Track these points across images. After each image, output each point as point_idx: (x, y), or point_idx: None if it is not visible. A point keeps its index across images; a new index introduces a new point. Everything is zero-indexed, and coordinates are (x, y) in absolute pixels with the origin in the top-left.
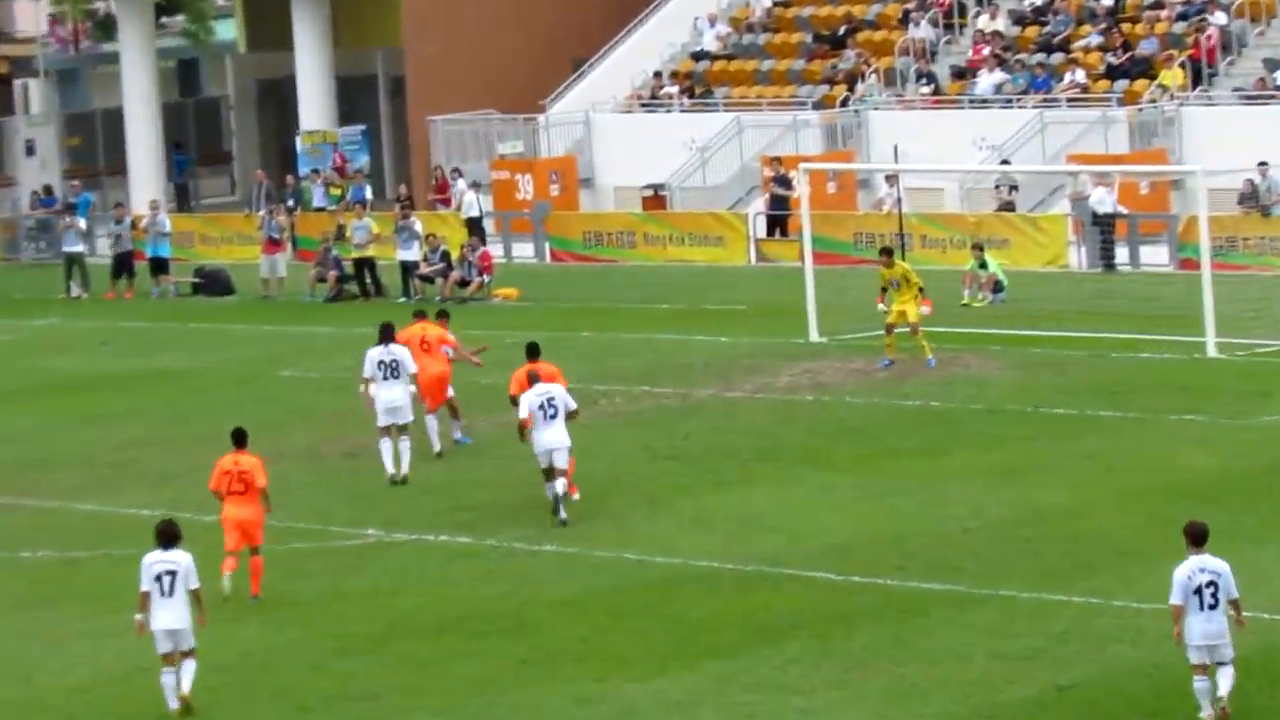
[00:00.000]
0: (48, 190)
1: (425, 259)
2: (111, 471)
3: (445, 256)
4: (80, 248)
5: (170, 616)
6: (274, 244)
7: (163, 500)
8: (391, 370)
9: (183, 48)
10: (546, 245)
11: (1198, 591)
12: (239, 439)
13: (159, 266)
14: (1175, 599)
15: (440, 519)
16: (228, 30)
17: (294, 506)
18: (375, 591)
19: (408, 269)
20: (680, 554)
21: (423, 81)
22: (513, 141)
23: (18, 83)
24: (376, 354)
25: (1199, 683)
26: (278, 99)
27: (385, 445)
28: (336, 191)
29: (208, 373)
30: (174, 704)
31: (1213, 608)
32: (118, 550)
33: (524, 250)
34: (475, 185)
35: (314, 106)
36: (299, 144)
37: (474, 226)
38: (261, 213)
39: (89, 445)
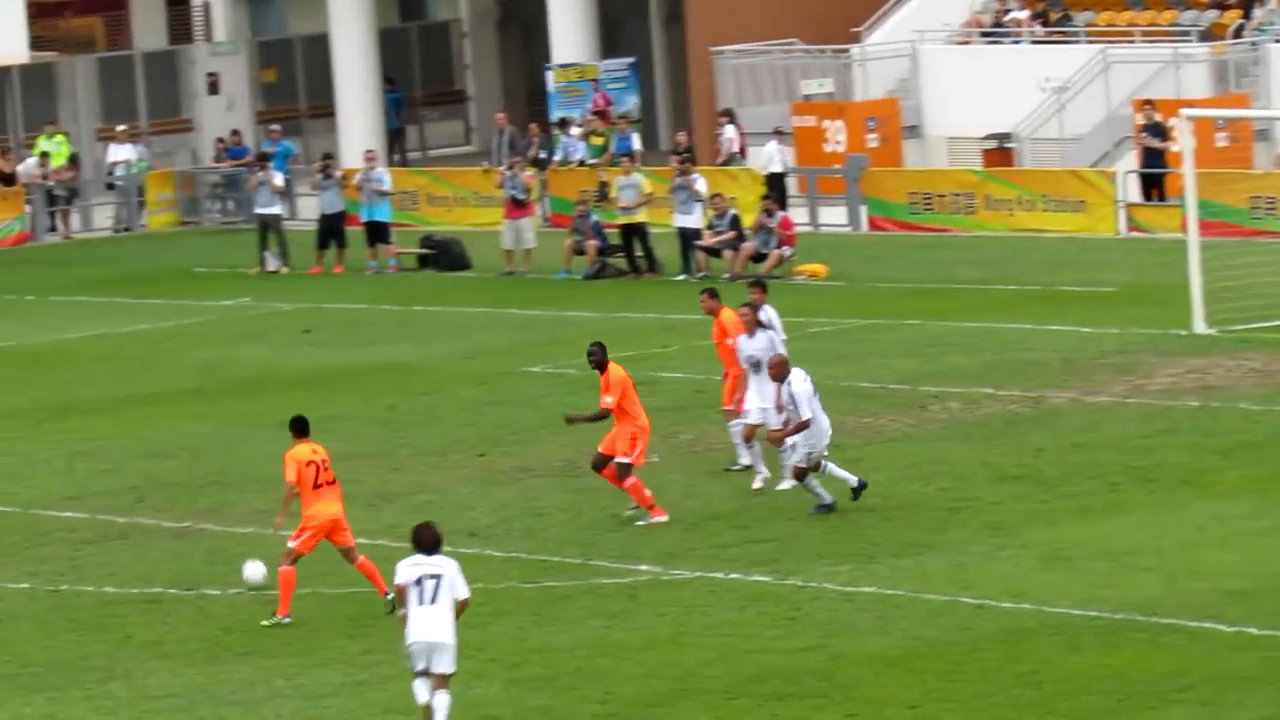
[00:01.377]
0: (236, 137)
1: (710, 226)
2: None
3: (736, 223)
4: (277, 209)
5: (428, 628)
6: (518, 206)
7: (380, 526)
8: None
9: None
10: (862, 210)
11: None
12: (303, 428)
13: (376, 234)
14: None
15: (730, 553)
16: None
17: (547, 535)
18: (650, 643)
19: (687, 238)
20: (1031, 598)
21: (706, 4)
22: (820, 80)
23: (197, 2)
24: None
25: None
26: (523, 25)
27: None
28: (598, 141)
29: (435, 368)
30: (424, 698)
31: None
32: (326, 588)
33: (833, 216)
34: (778, 134)
35: (569, 34)
36: (550, 81)
37: (774, 185)
38: (502, 167)
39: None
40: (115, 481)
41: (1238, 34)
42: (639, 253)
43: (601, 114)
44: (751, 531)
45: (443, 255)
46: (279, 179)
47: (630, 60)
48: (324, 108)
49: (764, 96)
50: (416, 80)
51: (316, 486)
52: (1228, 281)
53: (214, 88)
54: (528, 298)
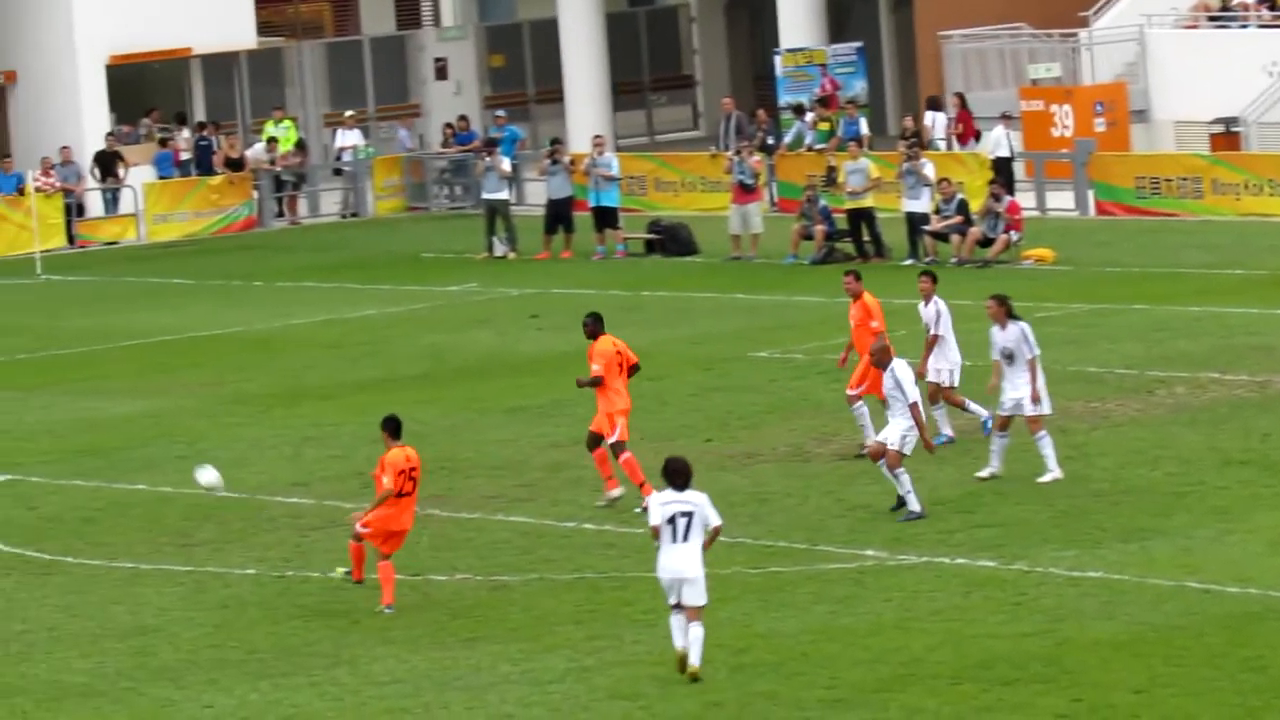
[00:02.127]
0: (464, 123)
1: (937, 211)
2: (544, 476)
3: (963, 208)
4: (505, 195)
5: (680, 563)
6: (745, 191)
7: (608, 512)
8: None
9: None
10: (1089, 194)
11: None
12: (397, 429)
13: (604, 219)
14: None
15: (956, 538)
16: None
17: (774, 520)
18: (875, 628)
19: (915, 223)
20: (1258, 583)
21: None
22: (1047, 65)
23: None
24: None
25: None
26: (750, 9)
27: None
28: (825, 126)
29: (662, 353)
30: (681, 642)
31: None
32: (553, 574)
33: (1061, 200)
34: (1005, 118)
35: (797, 19)
36: (778, 66)
37: (1001, 169)
38: (730, 152)
39: (514, 444)
40: (342, 467)
41: None
42: (866, 238)
43: (829, 99)
44: (977, 517)
45: (670, 240)
46: (506, 164)
47: (858, 45)
48: (552, 93)
49: (991, 81)
50: (644, 65)
51: (399, 495)
52: None
53: (442, 73)
54: (755, 283)
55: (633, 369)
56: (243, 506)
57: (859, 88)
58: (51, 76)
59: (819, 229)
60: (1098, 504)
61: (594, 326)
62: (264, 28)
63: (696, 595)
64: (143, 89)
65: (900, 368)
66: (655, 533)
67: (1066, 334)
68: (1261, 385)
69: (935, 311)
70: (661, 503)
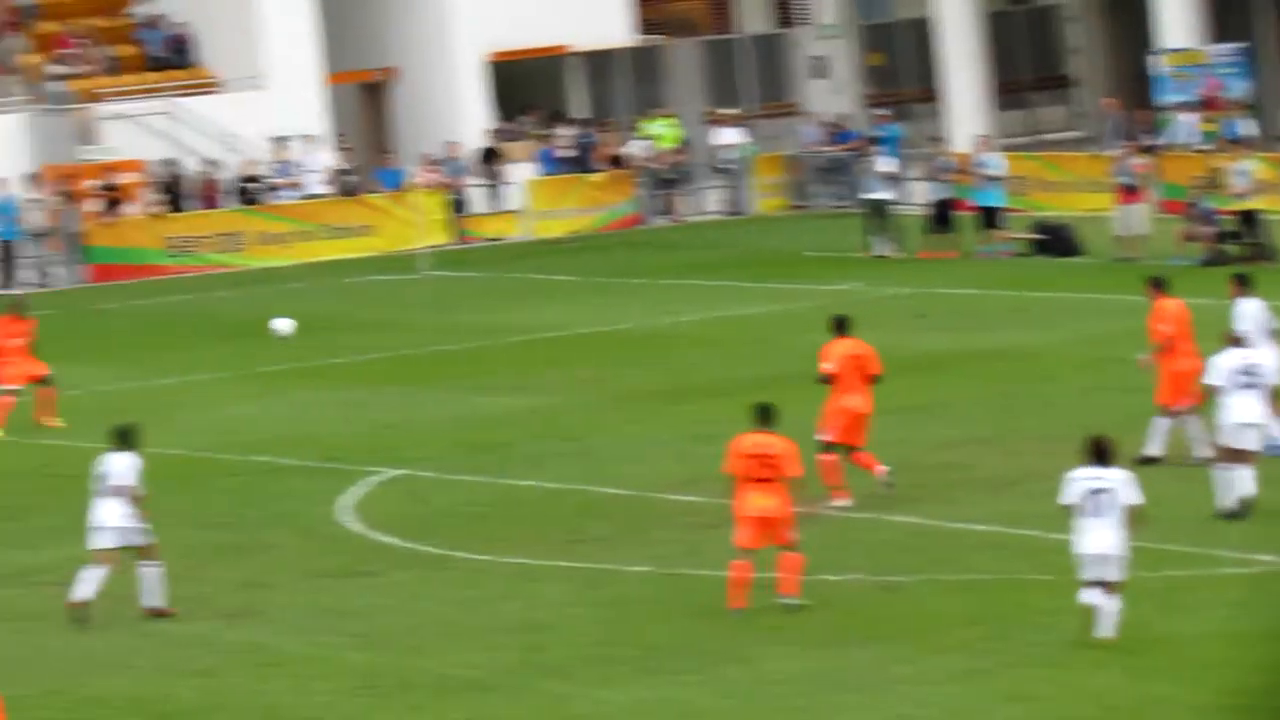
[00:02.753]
0: (843, 121)
1: None
2: (933, 476)
3: None
4: (886, 194)
5: (1100, 540)
6: (1130, 192)
7: (998, 513)
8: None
9: None
10: None
11: None
12: (763, 417)
13: (989, 219)
14: None
15: None
16: None
17: (1169, 524)
18: (1274, 633)
19: None
20: None
21: None
22: None
23: None
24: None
25: None
26: (1130, 9)
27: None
28: (1209, 127)
29: (1047, 354)
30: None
31: None
32: (945, 575)
33: None
34: None
35: (1177, 18)
36: (1159, 66)
37: None
38: (1114, 153)
39: (903, 443)
40: None
41: None
42: (1250, 239)
43: (1212, 100)
44: None
45: (1055, 241)
46: (887, 163)
47: (1242, 45)
48: (930, 92)
49: None
50: (1024, 64)
51: (750, 480)
52: None
53: (821, 71)
54: (1140, 284)
55: (873, 377)
56: (633, 503)
57: (1243, 89)
58: (432, 73)
59: (1204, 230)
60: None
61: (837, 328)
62: (644, 25)
63: (1114, 572)
64: (522, 85)
65: None
66: (1071, 511)
67: None
68: None
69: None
70: (1080, 478)
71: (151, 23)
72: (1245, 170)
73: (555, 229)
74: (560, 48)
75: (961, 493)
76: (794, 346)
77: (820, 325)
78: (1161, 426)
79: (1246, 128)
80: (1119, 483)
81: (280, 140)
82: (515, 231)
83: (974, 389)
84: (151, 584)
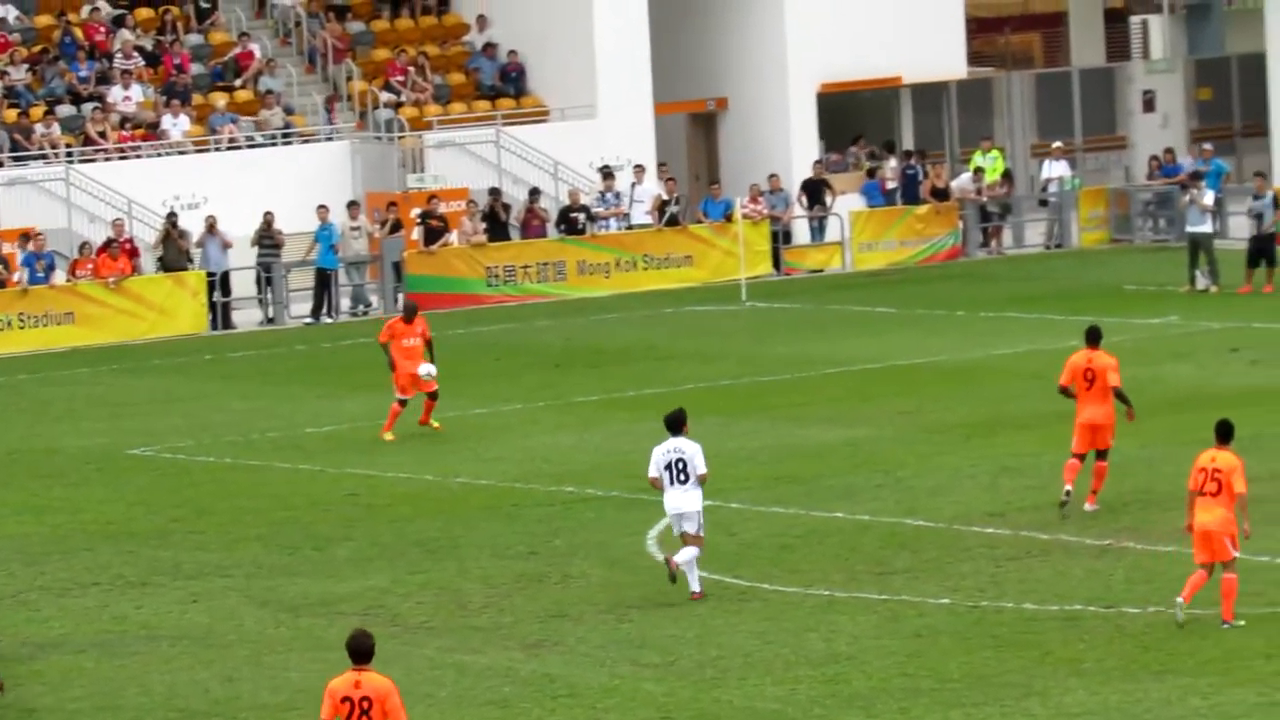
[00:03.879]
0: (1170, 155)
1: None
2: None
3: None
4: (1207, 228)
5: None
6: None
7: None
8: None
9: None
10: None
11: None
12: (1223, 434)
13: None
14: None
15: None
16: None
17: None
18: None
19: None
20: None
21: None
22: None
23: (1135, 20)
24: None
25: None
26: None
27: None
28: None
29: None
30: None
31: None
32: (1247, 608)
33: None
34: None
35: None
36: None
37: None
38: None
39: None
40: (1040, 498)
41: None
42: None
43: None
44: None
45: None
46: (1210, 198)
47: None
48: (1257, 127)
49: None
50: None
51: (1203, 494)
52: None
53: (1149, 105)
54: None
55: (1111, 387)
56: (939, 536)
57: None
58: (762, 104)
59: None
60: None
61: (1087, 338)
62: (974, 58)
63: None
64: (851, 117)
65: None
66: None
67: None
68: None
69: None
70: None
71: (485, 51)
72: None
73: (877, 261)
74: (893, 79)
75: (1268, 528)
76: None
77: (1137, 359)
78: None
79: None
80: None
81: (607, 169)
82: (836, 263)
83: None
84: None
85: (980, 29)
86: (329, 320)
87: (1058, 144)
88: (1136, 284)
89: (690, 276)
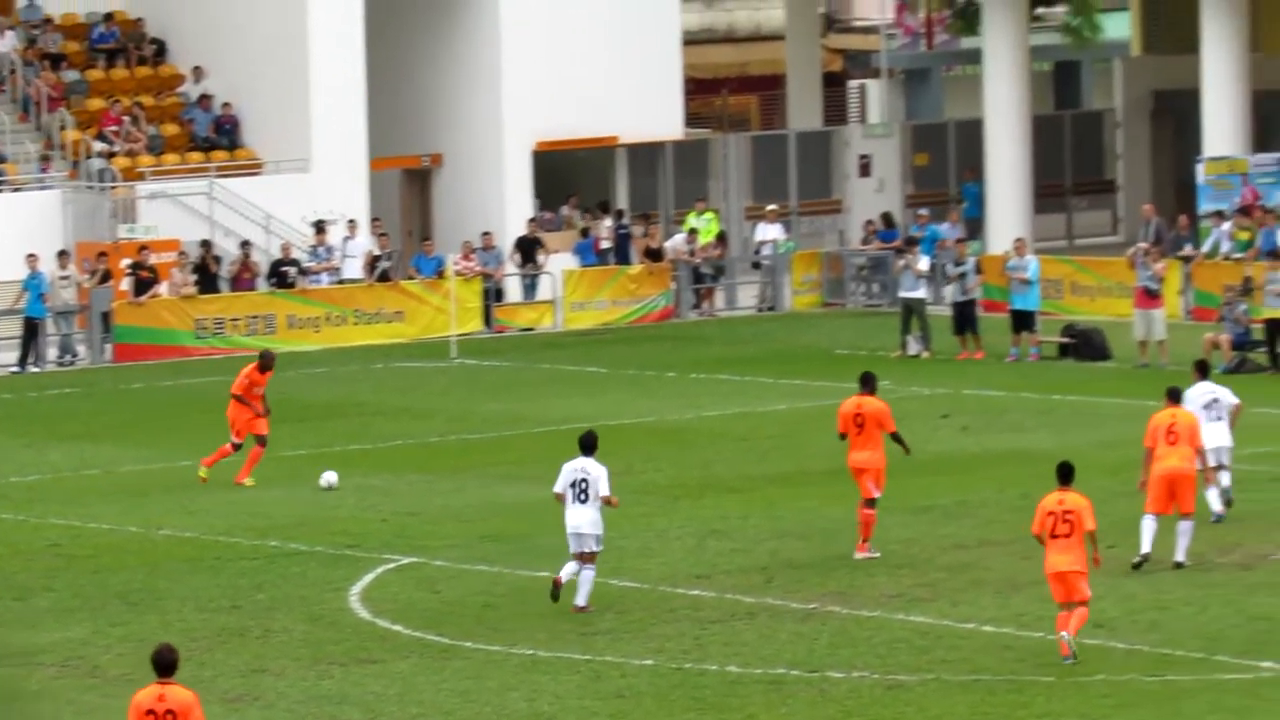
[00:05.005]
0: (887, 220)
1: None
2: (946, 576)
3: None
4: (921, 293)
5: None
6: (1150, 297)
7: (1007, 615)
8: None
9: (1060, 47)
10: None
11: None
12: (1065, 475)
13: (1022, 321)
14: None
15: None
16: (1118, 27)
17: (1172, 629)
18: None
19: None
20: None
21: None
22: None
23: (853, 84)
24: None
25: None
26: (1176, 116)
27: None
28: (1244, 235)
29: (1072, 458)
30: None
31: None
32: (950, 675)
33: None
34: None
35: (1222, 127)
36: (1199, 173)
37: None
38: (1131, 251)
39: (918, 543)
40: (746, 560)
41: None
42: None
43: (1249, 208)
44: None
45: (1084, 345)
46: (924, 263)
47: None
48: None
49: None
50: (1067, 168)
51: (1055, 536)
52: None
53: (865, 169)
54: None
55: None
56: (644, 597)
57: None
58: (477, 161)
59: (1224, 338)
60: None
61: (861, 382)
62: (692, 119)
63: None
64: (566, 175)
65: None
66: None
67: None
68: None
69: None
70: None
71: (200, 103)
72: (1277, 279)
73: (588, 320)
74: (609, 139)
75: (973, 594)
76: (817, 443)
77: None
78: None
79: None
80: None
81: (320, 224)
82: (548, 322)
83: (993, 490)
84: None
85: (698, 90)
86: (35, 369)
87: (772, 207)
88: (848, 348)
89: (401, 332)
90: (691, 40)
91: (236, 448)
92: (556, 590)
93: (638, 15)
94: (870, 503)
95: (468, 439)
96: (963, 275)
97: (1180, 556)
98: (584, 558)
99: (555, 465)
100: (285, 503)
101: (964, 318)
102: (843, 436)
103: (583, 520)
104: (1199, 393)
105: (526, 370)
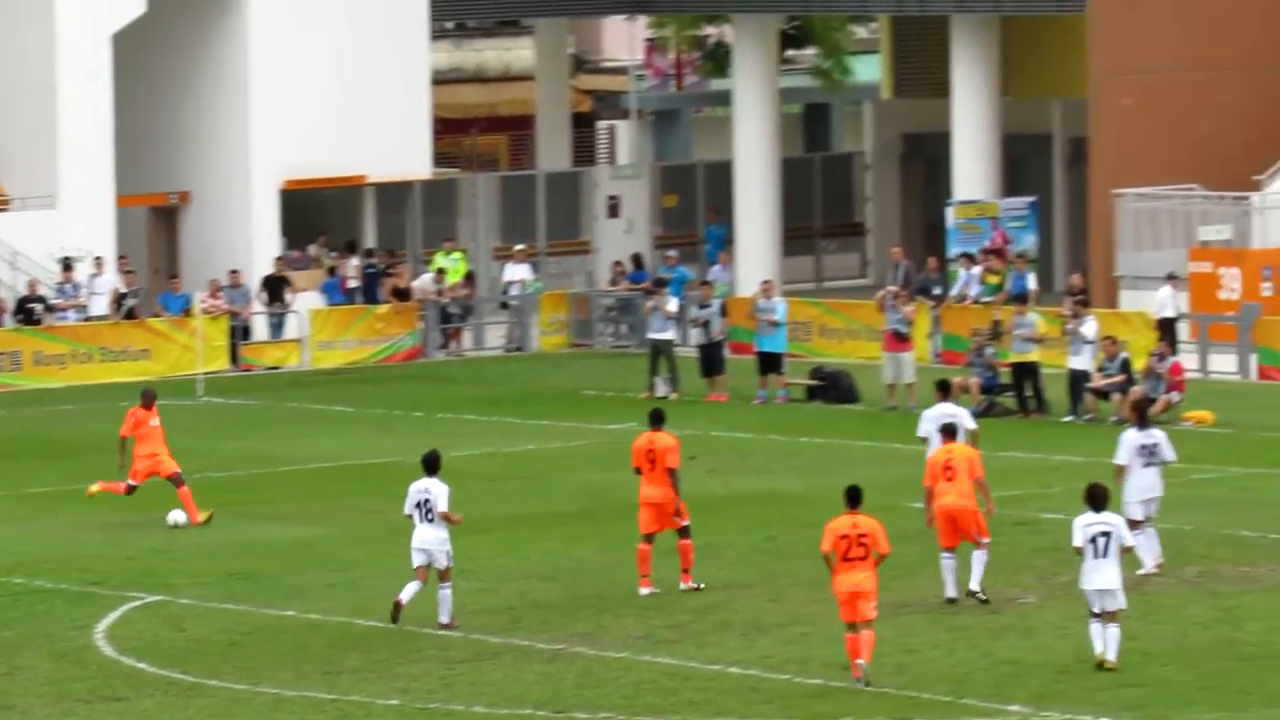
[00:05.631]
0: (636, 261)
1: (1101, 369)
2: (693, 618)
3: (1125, 366)
4: (669, 334)
5: (1102, 578)
6: (899, 340)
7: (754, 657)
8: None
9: (810, 89)
10: (1253, 358)
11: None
12: (854, 499)
13: (769, 363)
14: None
15: (1100, 696)
16: (868, 70)
17: (919, 671)
18: None
19: (1077, 380)
20: None
21: (1109, 145)
22: (1218, 227)
23: (603, 124)
24: None
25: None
26: (926, 160)
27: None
28: (993, 279)
29: (818, 501)
30: (1099, 646)
31: None
32: (697, 716)
33: (1224, 363)
34: (1172, 279)
35: (971, 171)
36: (949, 217)
37: (1166, 330)
38: (880, 294)
39: (668, 584)
40: (491, 601)
41: None
42: (1029, 393)
43: (998, 252)
44: (1123, 675)
45: (831, 387)
46: (672, 304)
47: (1031, 199)
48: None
49: (1161, 241)
50: (816, 211)
51: (846, 559)
52: None
53: (614, 210)
54: (912, 432)
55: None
56: (390, 636)
57: (1029, 242)
58: (224, 198)
59: (973, 381)
60: (1245, 668)
61: (651, 420)
62: (440, 158)
63: (1117, 602)
64: (314, 214)
65: None
66: (1079, 552)
67: (1223, 496)
68: None
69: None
70: (1084, 524)
71: None
72: (1027, 324)
73: (335, 359)
74: (357, 178)
75: (720, 635)
76: (564, 484)
77: (593, 464)
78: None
79: (1030, 280)
80: (1115, 527)
81: (67, 260)
82: (295, 360)
83: (740, 532)
84: None
85: (447, 130)
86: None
87: (520, 247)
88: (596, 389)
89: (147, 370)
90: (440, 79)
91: (131, 490)
92: (397, 612)
93: (386, 54)
94: (683, 532)
95: (213, 477)
96: (707, 321)
97: (974, 585)
98: (441, 575)
99: (302, 504)
100: (27, 541)
101: (711, 360)
102: (637, 471)
103: (430, 539)
104: (939, 413)
105: (273, 409)
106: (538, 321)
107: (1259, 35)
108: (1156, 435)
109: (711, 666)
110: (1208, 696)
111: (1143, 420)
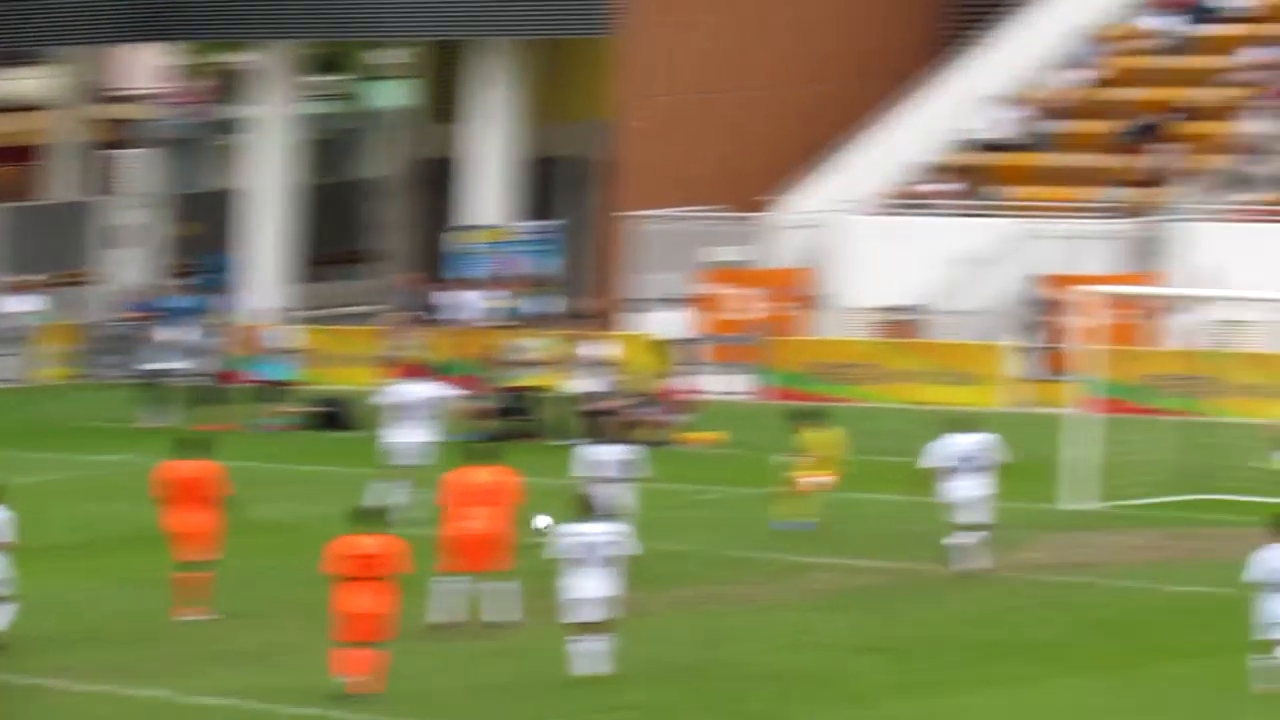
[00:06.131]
0: (140, 292)
1: (607, 391)
2: (181, 649)
3: (626, 389)
4: (164, 365)
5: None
6: (402, 367)
7: (243, 686)
8: None
9: (328, 115)
10: (763, 379)
11: None
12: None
13: (270, 392)
14: None
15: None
16: (388, 96)
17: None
18: None
19: (580, 403)
20: None
21: (628, 167)
22: (731, 247)
23: (117, 153)
24: None
25: None
26: (440, 185)
27: None
28: (497, 303)
29: (308, 528)
30: None
31: None
32: None
33: (735, 383)
34: (676, 300)
35: (482, 196)
36: (455, 243)
37: (668, 351)
38: (389, 327)
39: (154, 616)
40: None
41: (1148, 212)
42: (532, 416)
43: (504, 277)
44: (610, 697)
45: (329, 415)
46: (167, 334)
47: (560, 223)
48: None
49: (672, 262)
50: (329, 237)
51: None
52: (1116, 458)
53: (124, 240)
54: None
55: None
56: None
57: (551, 266)
58: None
59: (479, 406)
60: (742, 687)
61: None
62: None
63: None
64: None
65: None
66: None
67: (726, 517)
68: (910, 572)
69: None
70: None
71: None
72: (524, 347)
73: None
74: None
75: (207, 665)
76: (60, 516)
77: (89, 496)
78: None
79: (542, 304)
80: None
81: None
82: None
83: (239, 560)
84: None
85: None
86: None
87: (22, 278)
88: (95, 420)
89: None
90: None
91: None
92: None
93: None
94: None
95: None
96: (210, 350)
97: (488, 616)
98: None
99: None
100: None
101: (213, 389)
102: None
103: None
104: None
105: None
106: (39, 353)
107: (790, 54)
108: (623, 452)
109: (199, 698)
110: (695, 718)
111: (601, 433)
